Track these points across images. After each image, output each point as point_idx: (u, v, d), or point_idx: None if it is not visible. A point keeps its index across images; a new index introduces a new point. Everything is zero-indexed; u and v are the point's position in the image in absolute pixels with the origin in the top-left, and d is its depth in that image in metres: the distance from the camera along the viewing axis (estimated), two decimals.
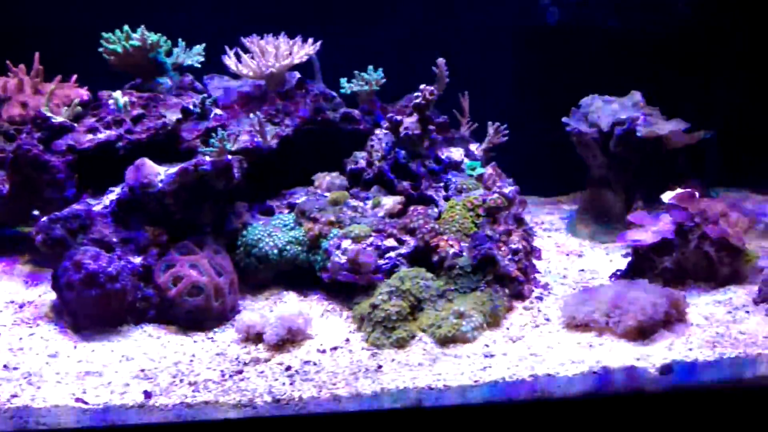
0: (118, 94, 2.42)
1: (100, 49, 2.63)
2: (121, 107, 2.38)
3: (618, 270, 2.62)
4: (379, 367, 2.10)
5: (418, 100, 2.60)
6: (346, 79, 2.95)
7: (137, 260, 2.29)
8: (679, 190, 2.54)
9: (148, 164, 2.29)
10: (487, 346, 2.21)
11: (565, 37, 3.25)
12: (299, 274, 2.58)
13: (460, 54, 3.29)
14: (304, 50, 2.72)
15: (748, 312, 2.35)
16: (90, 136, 2.33)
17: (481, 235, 2.48)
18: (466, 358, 2.14)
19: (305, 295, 2.55)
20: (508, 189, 2.89)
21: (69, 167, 2.35)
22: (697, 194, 2.52)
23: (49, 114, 2.37)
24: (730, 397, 2.03)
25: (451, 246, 2.41)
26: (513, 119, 3.36)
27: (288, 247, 2.52)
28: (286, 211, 2.67)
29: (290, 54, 2.70)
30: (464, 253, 2.40)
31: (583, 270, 2.72)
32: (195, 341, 2.29)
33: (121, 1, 3.13)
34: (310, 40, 2.78)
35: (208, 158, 2.34)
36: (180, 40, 2.79)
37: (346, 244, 2.42)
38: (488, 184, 2.84)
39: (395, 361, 2.13)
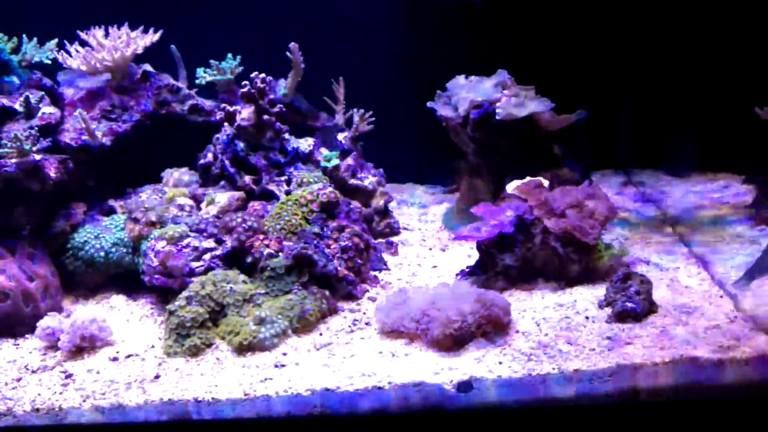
0: None
1: None
2: None
3: (468, 266, 2.40)
4: (157, 376, 1.98)
5: (245, 90, 2.44)
6: (203, 69, 2.82)
7: None
8: (528, 179, 2.30)
9: None
10: (284, 354, 2.05)
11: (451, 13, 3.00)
12: (131, 276, 2.48)
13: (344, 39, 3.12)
14: (142, 41, 2.60)
15: (587, 318, 2.10)
16: None
17: (308, 232, 2.31)
18: (255, 368, 1.99)
19: (134, 299, 2.45)
20: (368, 180, 2.71)
21: None
22: (545, 183, 2.27)
23: None
24: (522, 420, 1.81)
25: (267, 246, 2.25)
26: (413, 105, 3.16)
27: (114, 250, 2.43)
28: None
29: (127, 45, 2.58)
30: (281, 254, 2.24)
31: (436, 267, 2.51)
32: (0, 348, 2.24)
33: None
34: (151, 30, 2.65)
35: (13, 160, 2.26)
36: (24, 36, 2.71)
37: (160, 245, 2.30)
38: (344, 175, 2.67)
39: (179, 371, 2.00)
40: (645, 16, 3.00)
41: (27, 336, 2.27)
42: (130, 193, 2.64)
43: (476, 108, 2.51)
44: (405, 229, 2.78)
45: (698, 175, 3.03)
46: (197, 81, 2.79)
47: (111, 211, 2.58)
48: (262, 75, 2.45)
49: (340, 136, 2.80)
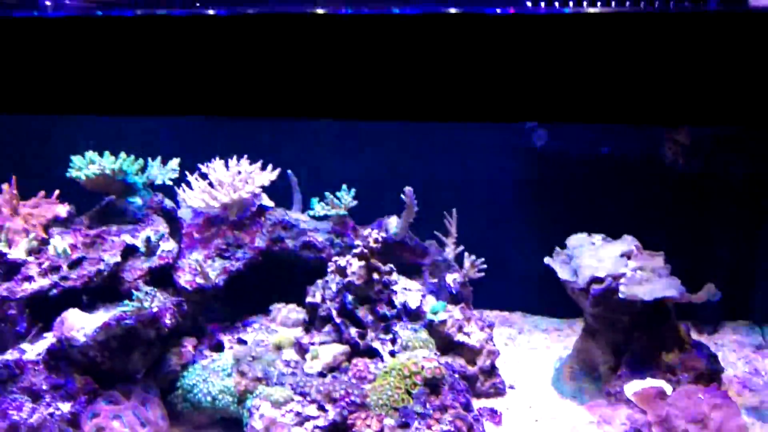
0: (57, 239, 2.47)
1: (67, 174, 2.69)
2: (60, 254, 2.43)
3: None
4: None
5: (358, 250, 2.40)
6: (317, 199, 2.81)
7: (66, 407, 2.35)
8: (649, 382, 2.14)
9: (72, 318, 2.33)
10: None
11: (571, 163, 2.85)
12: (235, 421, 2.53)
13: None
14: (260, 179, 2.60)
15: None
16: (25, 285, 2.41)
17: (410, 411, 2.26)
18: None
19: None
20: (475, 337, 2.62)
21: (20, 304, 2.45)
22: (667, 390, 2.10)
23: (4, 250, 2.48)
24: None
25: (369, 426, 2.22)
26: (534, 234, 3.05)
27: (220, 396, 2.47)
28: (237, 346, 2.62)
29: (245, 184, 2.59)
30: None
31: None
32: None
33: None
34: (269, 167, 2.66)
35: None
36: (150, 159, 2.78)
37: (265, 408, 2.31)
38: (450, 331, 2.59)
39: None
40: None
41: None
42: (238, 326, 2.68)
43: (597, 283, 2.36)
44: (511, 387, 2.67)
45: None
46: (311, 213, 2.78)
47: (219, 347, 2.64)
48: (375, 234, 2.40)
49: (449, 278, 2.71)
